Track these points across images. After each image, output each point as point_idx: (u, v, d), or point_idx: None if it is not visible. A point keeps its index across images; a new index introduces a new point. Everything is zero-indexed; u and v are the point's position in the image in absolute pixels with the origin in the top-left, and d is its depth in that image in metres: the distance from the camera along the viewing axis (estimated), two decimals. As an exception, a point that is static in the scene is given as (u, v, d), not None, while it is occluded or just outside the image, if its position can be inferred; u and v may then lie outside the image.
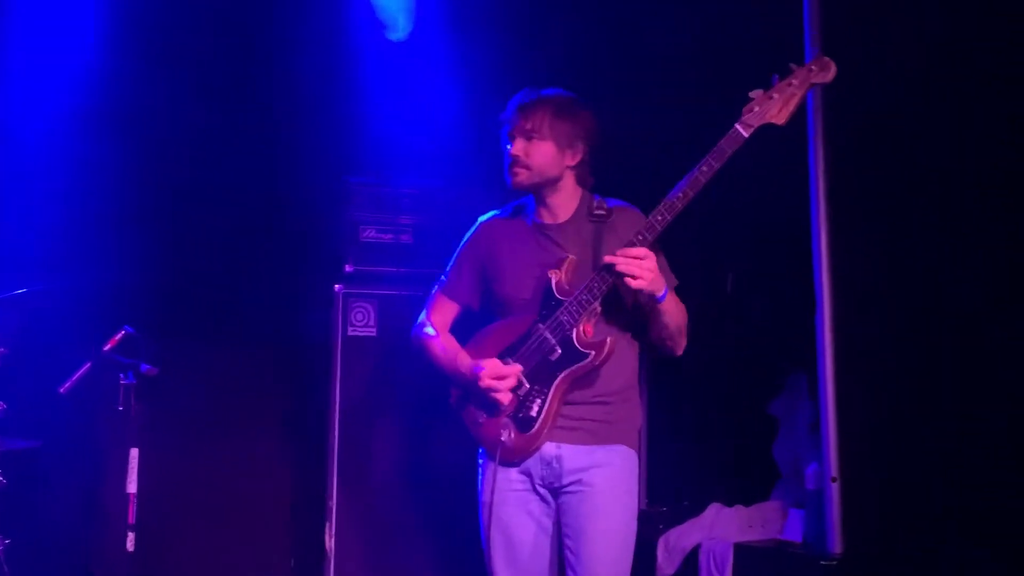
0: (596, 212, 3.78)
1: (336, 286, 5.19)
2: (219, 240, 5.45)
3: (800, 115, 4.39)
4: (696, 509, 5.23)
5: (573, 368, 3.69)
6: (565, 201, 3.86)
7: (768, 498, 5.22)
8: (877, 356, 4.47)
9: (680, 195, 3.55)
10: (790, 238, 4.73)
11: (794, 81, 3.59)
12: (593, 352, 3.67)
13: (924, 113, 4.35)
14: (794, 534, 4.86)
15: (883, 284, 4.49)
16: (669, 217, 3.56)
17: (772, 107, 3.58)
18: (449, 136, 5.35)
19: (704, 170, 3.54)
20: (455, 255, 4.03)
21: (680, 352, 3.82)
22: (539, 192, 3.85)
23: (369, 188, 5.27)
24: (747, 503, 5.21)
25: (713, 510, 5.19)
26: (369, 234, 5.25)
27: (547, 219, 3.87)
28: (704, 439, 5.59)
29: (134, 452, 4.23)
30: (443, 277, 4.04)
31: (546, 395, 3.71)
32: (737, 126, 3.56)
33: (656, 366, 5.27)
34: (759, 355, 5.46)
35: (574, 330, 3.68)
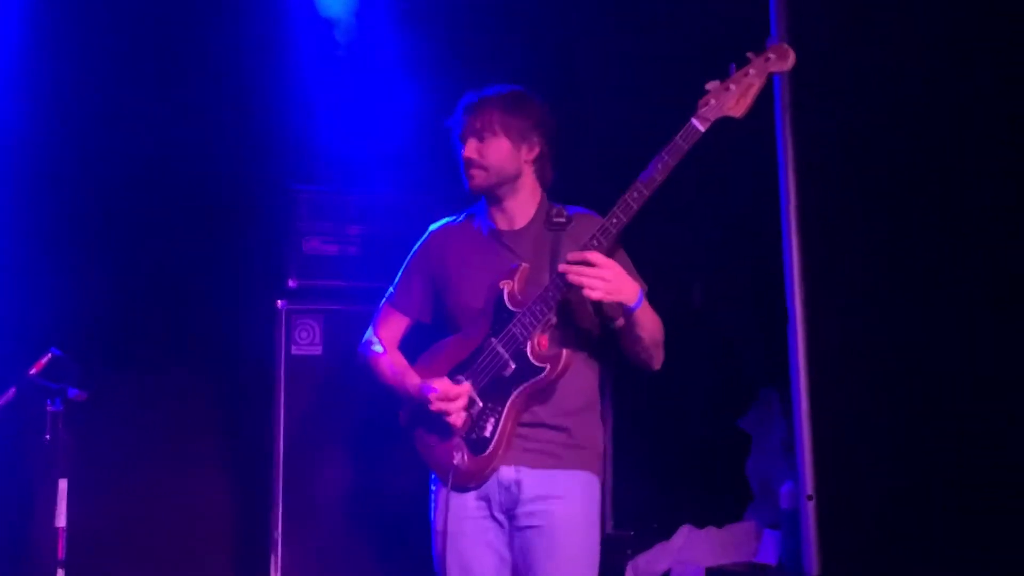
0: (555, 220, 3.63)
1: (279, 302, 4.98)
2: (152, 254, 5.26)
3: (765, 109, 4.31)
4: (666, 532, 5.12)
5: (527, 384, 3.51)
6: (523, 205, 3.70)
7: (741, 519, 5.12)
8: (852, 368, 4.38)
9: (635, 195, 3.39)
10: (760, 244, 4.63)
11: (751, 70, 3.43)
12: (548, 366, 3.49)
13: (900, 108, 4.26)
14: (769, 556, 4.81)
15: (858, 293, 4.41)
16: (625, 219, 3.40)
17: (729, 99, 3.42)
18: (398, 140, 5.21)
19: (659, 167, 3.38)
20: (404, 266, 3.88)
21: (658, 366, 3.66)
22: (497, 194, 3.69)
23: (312, 195, 5.07)
24: (719, 524, 5.10)
25: (683, 532, 5.10)
26: (313, 245, 5.04)
27: (502, 225, 3.72)
28: (672, 456, 5.46)
29: (63, 483, 4.04)
30: (391, 289, 3.90)
31: (500, 413, 3.54)
32: (693, 120, 3.41)
33: (620, 379, 5.14)
34: (729, 368, 5.39)
35: (528, 343, 3.51)
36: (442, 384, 3.56)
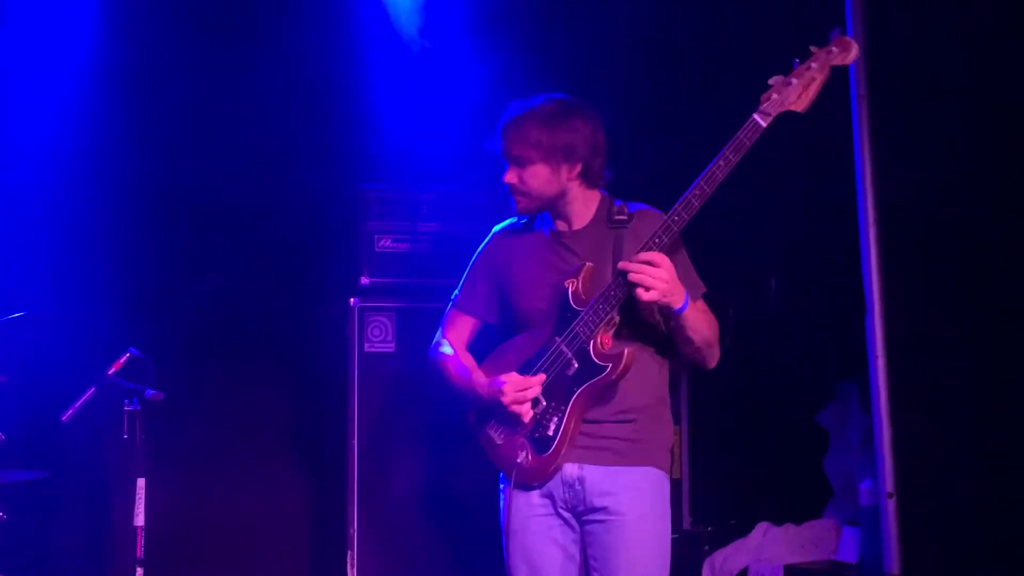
0: (616, 218, 3.59)
1: (351, 300, 4.99)
2: (227, 255, 5.32)
3: (842, 102, 4.25)
4: (743, 529, 5.06)
5: (590, 383, 3.48)
6: (580, 209, 3.65)
7: (820, 516, 5.05)
8: (933, 362, 4.34)
9: (697, 192, 3.36)
10: (838, 237, 4.56)
11: (813, 64, 3.39)
12: (610, 365, 3.46)
13: (980, 100, 4.22)
14: (849, 554, 4.74)
15: (938, 286, 4.37)
16: (687, 216, 3.37)
17: (791, 93, 3.39)
18: (468, 137, 5.12)
19: (721, 164, 3.35)
20: (468, 268, 3.87)
21: (712, 364, 3.60)
22: (550, 207, 3.67)
23: (384, 195, 5.06)
24: (798, 521, 5.04)
25: (761, 530, 5.03)
26: (385, 244, 5.04)
27: (562, 227, 3.68)
28: (750, 453, 5.42)
29: (141, 482, 4.05)
30: (457, 292, 3.88)
31: (563, 412, 3.51)
32: (755, 115, 3.38)
33: (697, 375, 5.15)
34: (806, 363, 5.30)
35: (591, 342, 3.48)
36: (512, 378, 3.55)
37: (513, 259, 3.73)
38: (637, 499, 3.52)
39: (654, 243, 3.37)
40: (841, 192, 4.52)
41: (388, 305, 5.00)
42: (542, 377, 3.53)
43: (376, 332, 4.98)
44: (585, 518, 3.56)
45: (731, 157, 3.34)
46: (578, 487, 3.54)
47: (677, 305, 3.39)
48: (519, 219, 3.80)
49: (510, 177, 3.59)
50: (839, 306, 4.76)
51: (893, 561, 4.26)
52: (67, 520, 5.09)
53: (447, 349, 3.81)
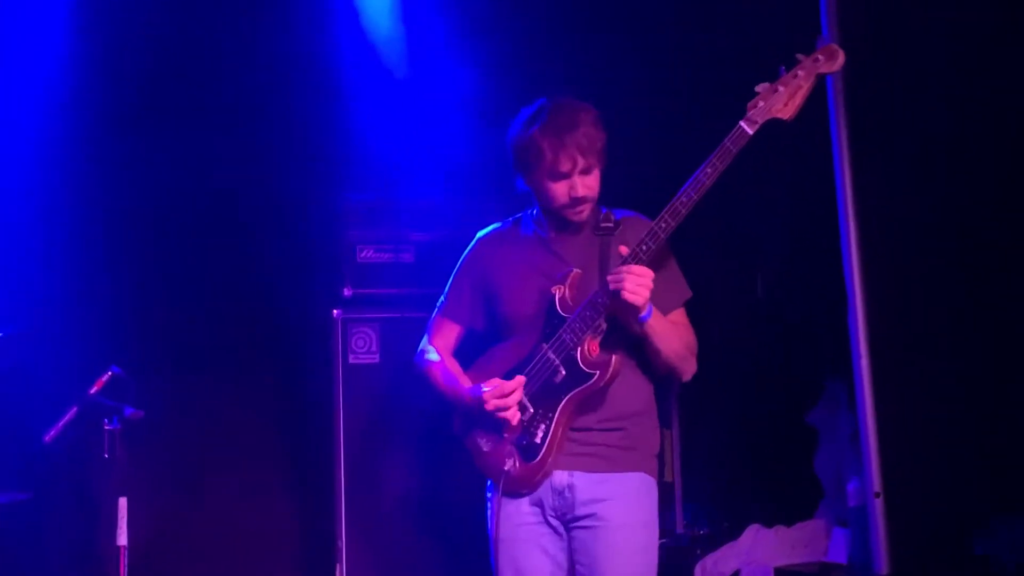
0: (603, 224, 3.60)
1: (334, 311, 4.95)
2: (208, 269, 5.27)
3: (816, 108, 4.24)
4: (736, 531, 5.05)
5: (578, 390, 3.50)
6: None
7: (812, 516, 5.04)
8: (918, 361, 4.36)
9: (684, 199, 3.40)
10: (824, 236, 4.56)
11: (800, 72, 3.43)
12: (598, 372, 3.47)
13: (959, 98, 4.23)
14: (839, 555, 4.74)
15: (921, 283, 4.38)
16: (673, 223, 3.41)
17: (778, 101, 3.43)
18: (449, 147, 5.16)
19: (708, 172, 3.38)
20: (454, 274, 3.87)
21: (686, 378, 3.63)
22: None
23: (365, 204, 5.02)
24: (788, 523, 5.03)
25: (752, 531, 5.02)
26: (367, 254, 5.00)
27: (551, 232, 3.67)
28: (742, 455, 5.42)
29: (122, 502, 4.03)
30: (443, 299, 3.89)
31: (551, 420, 3.53)
32: (742, 123, 3.42)
33: None
34: (794, 361, 5.29)
35: (578, 349, 3.49)
36: (494, 384, 3.55)
37: (499, 264, 3.73)
38: (625, 505, 3.53)
39: (640, 250, 3.39)
40: (827, 190, 4.51)
41: (371, 316, 4.96)
42: (522, 379, 3.53)
43: (360, 343, 4.95)
44: (573, 525, 3.57)
45: (718, 164, 3.37)
46: (567, 494, 3.54)
47: (641, 313, 3.41)
48: (503, 224, 3.81)
49: (583, 189, 3.53)
50: (827, 304, 4.74)
51: (882, 561, 4.24)
52: (51, 541, 5.04)
53: (433, 356, 3.82)
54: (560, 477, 3.54)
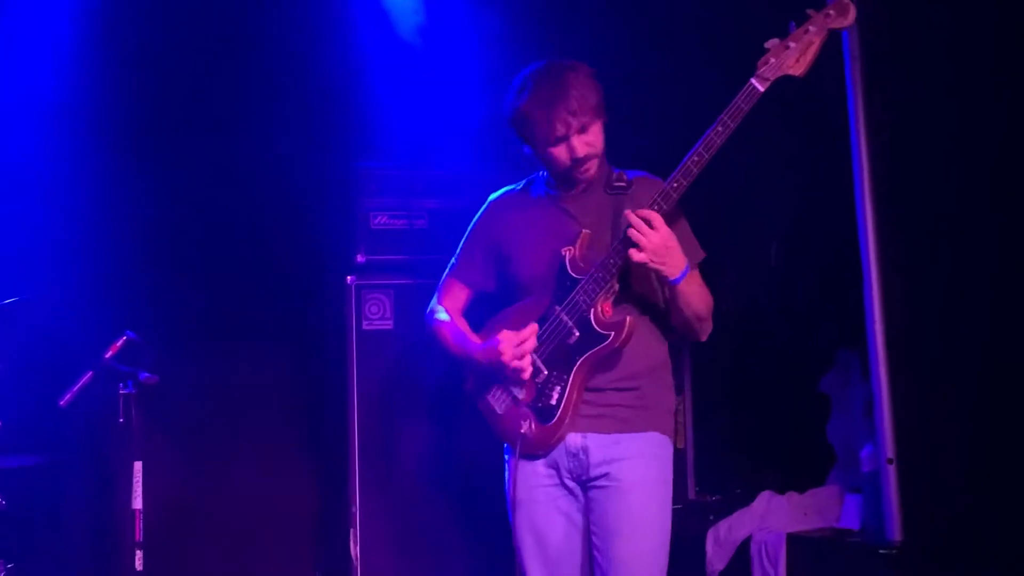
0: (616, 184, 3.56)
1: (348, 278, 4.97)
2: (222, 235, 5.30)
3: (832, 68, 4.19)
4: (749, 498, 5.00)
5: (593, 351, 3.48)
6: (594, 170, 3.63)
7: (824, 483, 4.99)
8: (932, 327, 4.28)
9: (696, 159, 3.36)
10: (838, 203, 4.51)
11: (811, 28, 3.37)
12: (612, 333, 3.45)
13: (974, 62, 4.13)
14: (851, 521, 4.66)
15: (935, 250, 4.30)
16: (685, 183, 3.37)
17: (789, 57, 3.36)
18: (462, 114, 5.14)
19: (719, 130, 3.34)
20: (465, 236, 3.86)
21: (703, 338, 3.61)
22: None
23: (378, 172, 5.04)
24: (801, 489, 4.98)
25: (764, 498, 4.96)
26: (381, 221, 5.02)
27: (562, 191, 3.64)
28: (754, 421, 5.37)
29: (138, 466, 4.04)
30: (454, 260, 3.87)
31: (566, 382, 3.51)
32: (752, 80, 3.37)
33: (699, 345, 4.99)
34: (807, 329, 5.25)
35: (591, 310, 3.47)
36: (506, 336, 3.53)
37: (510, 226, 3.71)
38: (639, 465, 3.52)
39: (655, 208, 3.36)
40: (842, 155, 4.47)
41: (385, 283, 4.99)
42: (535, 327, 3.52)
43: (374, 310, 4.96)
44: (589, 486, 3.56)
45: (729, 123, 3.33)
46: (582, 456, 3.54)
47: (673, 275, 3.39)
48: (515, 186, 3.79)
49: (583, 148, 3.50)
50: (840, 272, 4.71)
51: (894, 527, 4.20)
52: (67, 505, 5.09)
53: (443, 315, 3.81)
54: (574, 439, 3.53)
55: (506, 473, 3.68)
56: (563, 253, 3.52)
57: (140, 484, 4.02)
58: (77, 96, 5.08)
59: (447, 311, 3.82)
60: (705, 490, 5.34)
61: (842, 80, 4.37)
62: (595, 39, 5.01)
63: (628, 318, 3.45)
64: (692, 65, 5.17)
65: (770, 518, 4.84)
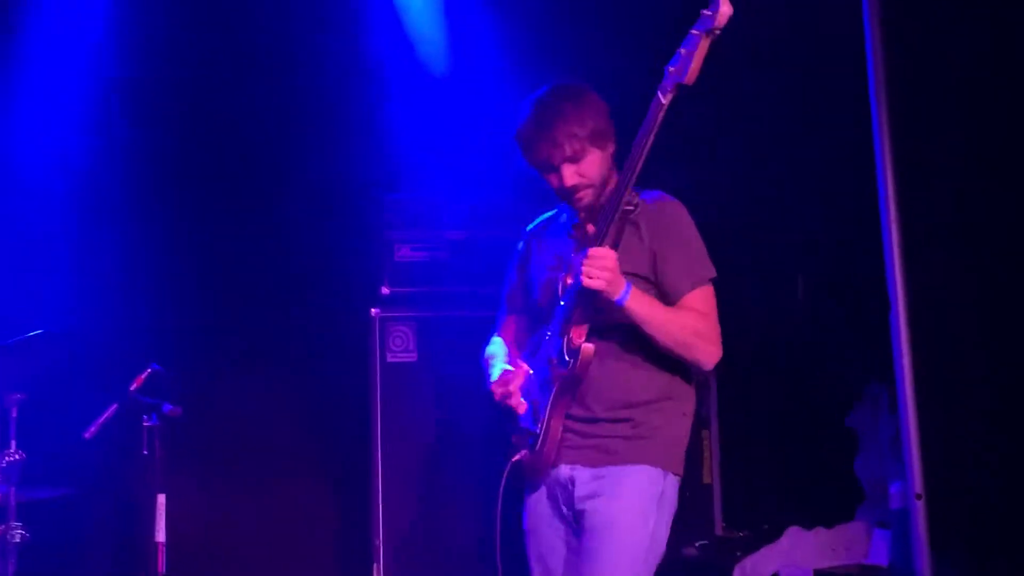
0: (624, 207, 3.39)
1: (372, 310, 4.95)
2: (246, 267, 5.31)
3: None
4: (776, 533, 4.97)
5: (560, 378, 3.41)
6: (606, 195, 3.53)
7: (851, 519, 4.95)
8: (961, 361, 4.24)
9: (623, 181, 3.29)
10: (865, 237, 4.47)
11: (693, 32, 3.15)
12: (572, 361, 3.37)
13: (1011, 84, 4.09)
14: (879, 557, 4.65)
15: (965, 281, 4.27)
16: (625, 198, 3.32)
17: (682, 65, 3.16)
18: (485, 145, 5.11)
19: (638, 151, 3.24)
20: (507, 268, 3.87)
21: (702, 365, 3.44)
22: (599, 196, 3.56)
23: (402, 203, 5.03)
24: (828, 525, 4.95)
25: (792, 534, 4.94)
26: (405, 253, 5.00)
27: (579, 217, 3.58)
28: (781, 456, 5.34)
29: (161, 498, 4.05)
30: (502, 290, 3.89)
31: (545, 409, 3.46)
32: (658, 92, 3.22)
33: (726, 379, 5.06)
34: (834, 364, 5.20)
35: (564, 337, 3.41)
36: (502, 373, 3.55)
37: (535, 254, 3.72)
38: (617, 502, 3.40)
39: (602, 232, 3.31)
40: (870, 189, 4.44)
41: (409, 315, 4.96)
42: (524, 368, 3.52)
43: (397, 342, 4.95)
44: (577, 518, 3.49)
45: (646, 140, 3.22)
46: (570, 488, 3.48)
47: (614, 296, 3.30)
48: (550, 213, 3.77)
49: (571, 179, 3.44)
50: (867, 306, 4.66)
51: (923, 564, 4.13)
52: (90, 537, 5.10)
53: (489, 348, 3.80)
54: (564, 471, 3.47)
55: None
56: (559, 279, 3.49)
57: (163, 516, 4.02)
58: (107, 131, 5.15)
59: (501, 338, 3.82)
60: (732, 526, 5.29)
61: (868, 116, 4.35)
62: (629, 73, 5.00)
63: (585, 345, 3.34)
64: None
65: (797, 554, 4.82)
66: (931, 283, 4.26)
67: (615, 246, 3.33)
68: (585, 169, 3.46)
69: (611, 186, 3.49)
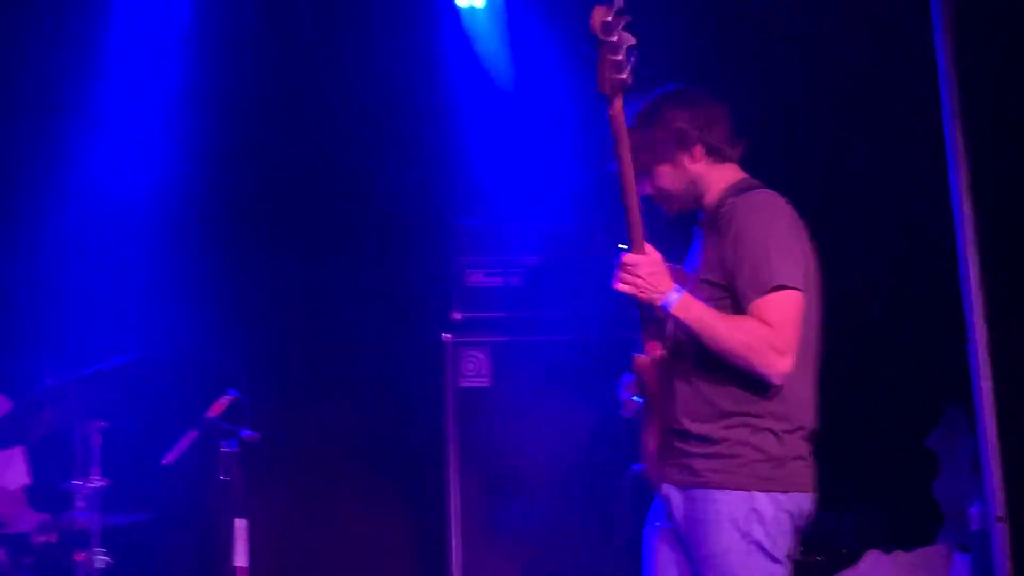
0: (721, 209, 3.32)
1: (444, 335, 4.97)
2: (320, 293, 5.37)
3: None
4: (854, 557, 4.88)
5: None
6: (713, 193, 3.41)
7: (932, 542, 4.87)
8: None
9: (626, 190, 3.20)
10: (943, 255, 4.41)
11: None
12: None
13: None
14: (961, 581, 4.51)
15: None
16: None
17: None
18: (557, 169, 5.13)
19: (622, 167, 3.17)
20: None
21: (768, 379, 3.22)
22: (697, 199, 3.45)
23: (473, 228, 5.06)
24: (907, 548, 4.85)
25: (871, 558, 4.84)
26: (476, 278, 5.02)
27: (698, 225, 3.51)
28: (860, 479, 5.20)
29: (241, 523, 4.08)
30: None
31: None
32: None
33: None
34: (911, 385, 5.14)
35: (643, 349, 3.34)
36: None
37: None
38: (704, 533, 3.26)
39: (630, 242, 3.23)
40: (946, 211, 4.37)
41: (481, 340, 4.97)
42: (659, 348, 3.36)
43: (470, 367, 4.96)
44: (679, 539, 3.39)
45: (624, 155, 3.14)
46: (669, 507, 3.35)
47: (658, 302, 3.21)
48: None
49: (645, 189, 3.38)
50: (943, 326, 4.58)
51: (1006, 587, 4.11)
52: (171, 562, 5.15)
53: None
54: (665, 488, 3.36)
55: None
56: None
57: (243, 542, 4.05)
58: (189, 160, 5.23)
59: None
60: (810, 550, 5.23)
61: (942, 141, 4.30)
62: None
63: (638, 356, 3.31)
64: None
65: (876, 577, 4.77)
66: (1009, 303, 4.22)
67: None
68: (656, 181, 3.41)
69: (724, 185, 3.39)
